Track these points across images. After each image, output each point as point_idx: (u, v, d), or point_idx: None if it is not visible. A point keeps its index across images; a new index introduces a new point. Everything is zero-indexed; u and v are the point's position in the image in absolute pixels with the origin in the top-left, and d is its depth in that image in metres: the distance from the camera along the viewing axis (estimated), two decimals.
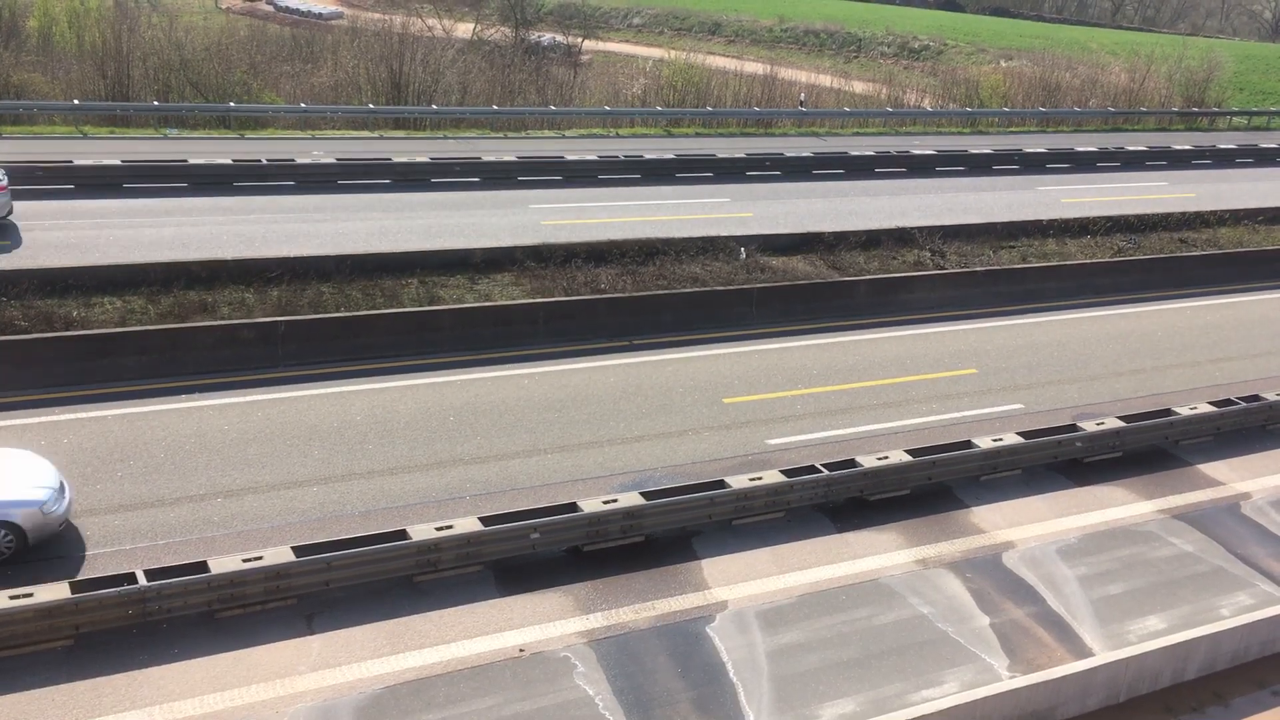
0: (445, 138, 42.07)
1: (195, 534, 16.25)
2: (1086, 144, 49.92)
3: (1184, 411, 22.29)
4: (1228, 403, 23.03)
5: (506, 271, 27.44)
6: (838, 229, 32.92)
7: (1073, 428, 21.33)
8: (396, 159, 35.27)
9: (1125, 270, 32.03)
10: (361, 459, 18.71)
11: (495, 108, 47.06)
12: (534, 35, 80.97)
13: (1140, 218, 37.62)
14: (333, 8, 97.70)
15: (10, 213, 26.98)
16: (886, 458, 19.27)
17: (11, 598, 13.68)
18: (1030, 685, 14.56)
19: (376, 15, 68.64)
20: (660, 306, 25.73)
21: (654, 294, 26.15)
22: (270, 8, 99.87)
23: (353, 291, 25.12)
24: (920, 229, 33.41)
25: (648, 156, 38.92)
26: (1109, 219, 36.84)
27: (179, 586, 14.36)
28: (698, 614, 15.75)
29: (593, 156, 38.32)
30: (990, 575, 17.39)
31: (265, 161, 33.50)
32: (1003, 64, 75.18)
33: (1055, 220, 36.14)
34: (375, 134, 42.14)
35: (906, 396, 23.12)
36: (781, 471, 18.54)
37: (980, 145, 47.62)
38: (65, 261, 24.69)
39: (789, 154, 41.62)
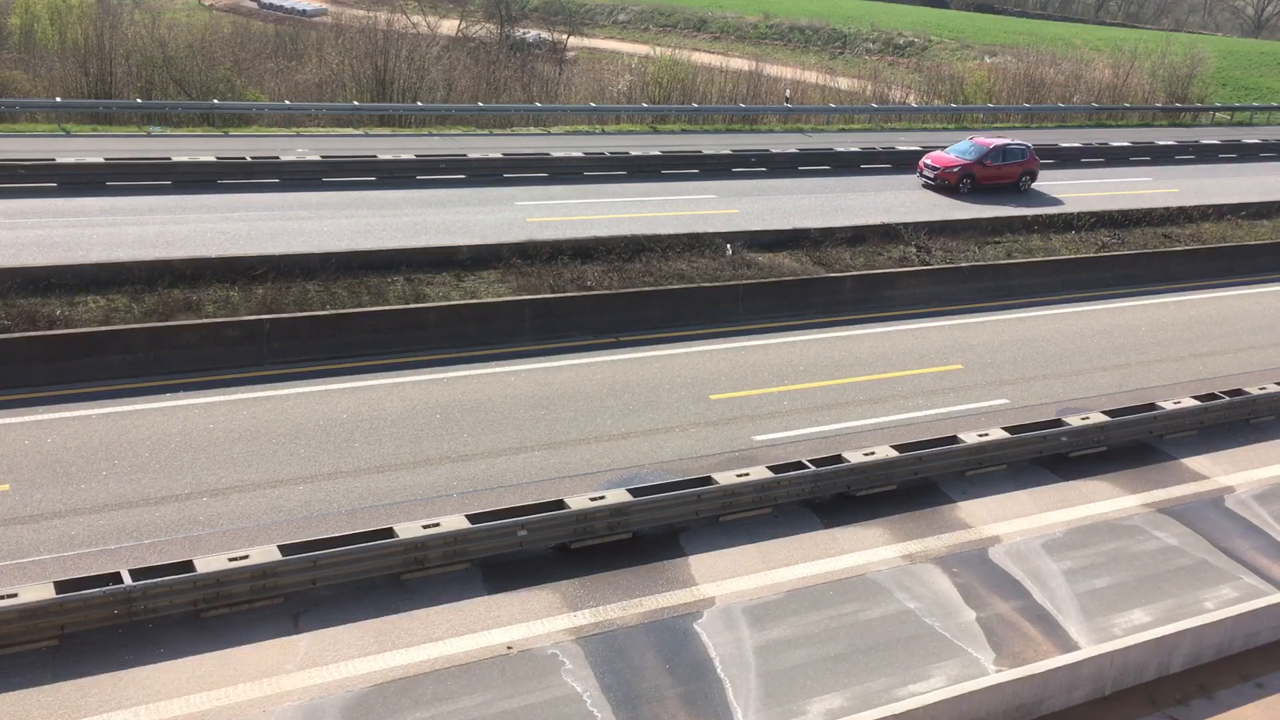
0: (430, 135, 41.97)
1: (181, 533, 16.19)
2: (1071, 140, 50.15)
3: (1168, 406, 22.41)
4: (1211, 397, 23.18)
5: (493, 269, 27.41)
6: (823, 225, 32.98)
7: (1058, 422, 21.43)
8: (381, 156, 35.17)
9: (1109, 265, 32.18)
10: (348, 457, 18.67)
11: (480, 105, 46.97)
12: (519, 32, 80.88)
13: (1124, 213, 37.82)
14: (316, 4, 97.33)
15: None
16: (873, 453, 19.32)
17: None
18: (1016, 679, 14.62)
19: (361, 12, 68.34)
20: (646, 303, 25.74)
21: (640, 291, 26.15)
22: (254, 4, 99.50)
23: (338, 289, 25.05)
24: (906, 225, 33.50)
25: (633, 153, 38.90)
26: (1093, 214, 37.01)
27: (165, 586, 14.31)
28: (685, 610, 15.77)
29: (578, 153, 38.29)
30: (976, 570, 17.46)
31: (249, 159, 33.36)
32: (987, 60, 75.46)
33: (1040, 216, 36.31)
34: (360, 131, 42.02)
35: (893, 392, 23.18)
36: (768, 467, 18.58)
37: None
38: (48, 260, 24.56)
39: (774, 150, 41.64)
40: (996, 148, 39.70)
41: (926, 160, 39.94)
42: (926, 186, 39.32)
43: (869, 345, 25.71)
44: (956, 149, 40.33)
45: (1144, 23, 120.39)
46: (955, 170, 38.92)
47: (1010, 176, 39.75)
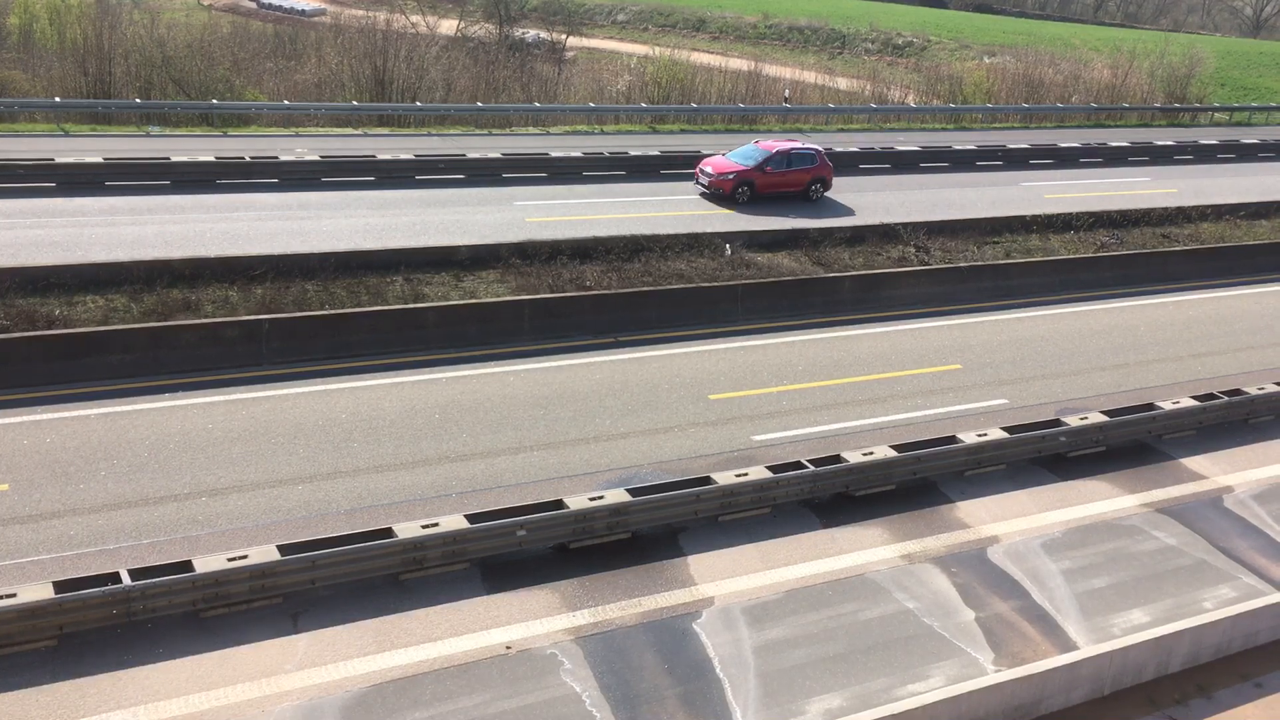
0: (430, 135, 41.95)
1: (180, 533, 16.19)
2: (1070, 140, 50.16)
3: (1167, 406, 22.43)
4: (1210, 397, 23.20)
5: (492, 269, 27.41)
6: (823, 225, 32.99)
7: (1056, 422, 21.44)
8: (381, 156, 35.15)
9: (1108, 265, 32.20)
10: (347, 457, 18.67)
11: (480, 105, 46.95)
12: (518, 32, 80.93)
13: (1123, 213, 37.84)
14: (315, 4, 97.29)
15: None
16: (872, 453, 19.33)
17: None
18: (1015, 679, 14.63)
19: (360, 12, 68.32)
20: (645, 303, 25.74)
21: (639, 290, 26.16)
22: (253, 4, 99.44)
23: (337, 289, 25.05)
24: (905, 225, 33.51)
25: (632, 153, 38.88)
26: (1092, 214, 37.03)
27: (164, 586, 14.32)
28: (684, 610, 15.78)
29: (577, 153, 38.28)
30: (975, 570, 17.47)
31: (248, 159, 33.32)
32: (986, 60, 75.46)
33: (1039, 216, 36.30)
34: (359, 131, 41.99)
35: (892, 392, 23.18)
36: (767, 467, 18.59)
37: (964, 141, 47.78)
38: (47, 260, 24.54)
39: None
40: (780, 152, 35.69)
41: (703, 166, 35.70)
42: (704, 196, 35.17)
43: (868, 345, 25.72)
44: (738, 153, 36.17)
45: (1142, 23, 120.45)
46: (730, 177, 34.67)
47: (797, 184, 35.73)
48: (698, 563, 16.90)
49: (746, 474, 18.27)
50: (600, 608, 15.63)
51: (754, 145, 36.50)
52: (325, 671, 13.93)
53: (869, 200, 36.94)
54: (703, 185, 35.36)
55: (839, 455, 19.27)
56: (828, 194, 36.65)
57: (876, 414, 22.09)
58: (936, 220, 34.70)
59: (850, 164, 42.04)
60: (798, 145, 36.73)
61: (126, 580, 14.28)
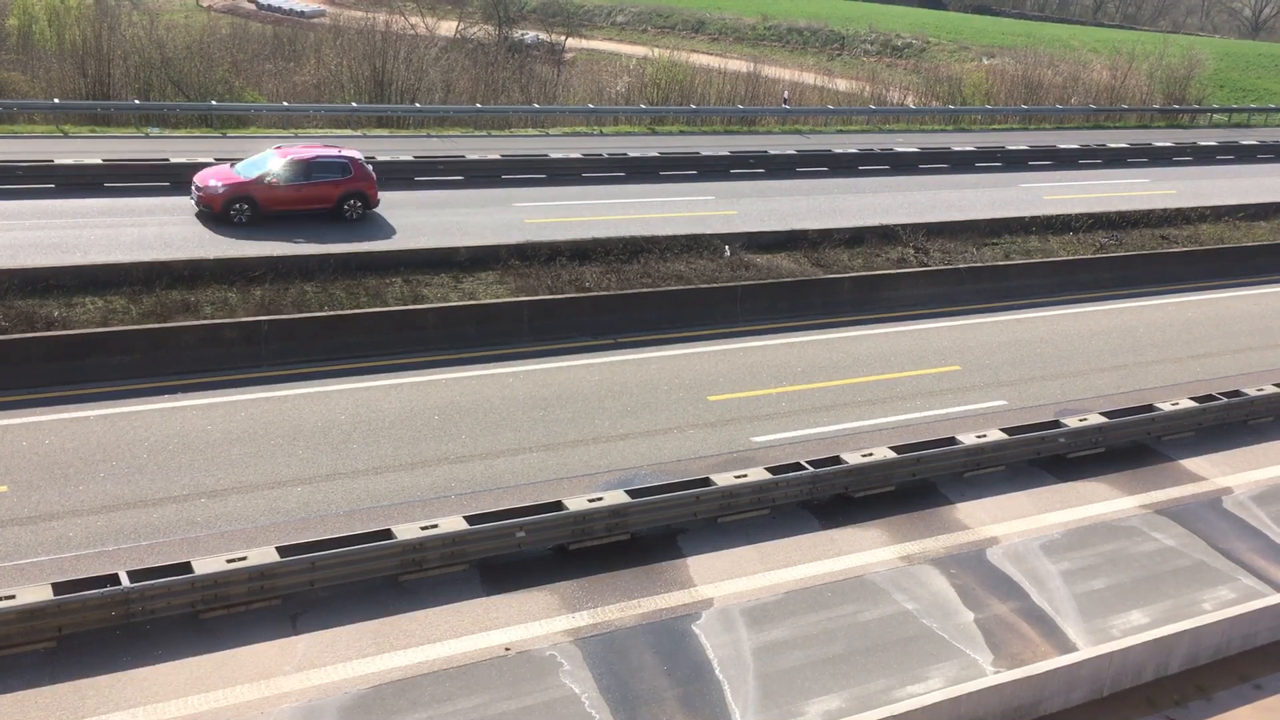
0: (429, 136, 41.93)
1: (179, 534, 16.18)
2: (1069, 141, 50.14)
3: (1166, 407, 22.43)
4: (1209, 398, 23.20)
5: (491, 270, 27.41)
6: (822, 226, 32.99)
7: (1056, 424, 21.45)
8: (380, 158, 35.09)
9: (1107, 267, 32.21)
10: (346, 458, 18.66)
11: (479, 106, 46.94)
12: (517, 33, 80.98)
13: (1122, 214, 37.85)
14: (315, 5, 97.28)
15: None
16: (871, 455, 19.33)
17: None
18: (1015, 680, 14.63)
19: (359, 13, 68.27)
20: (644, 304, 25.75)
21: (638, 292, 26.17)
22: (252, 6, 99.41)
23: (336, 290, 25.04)
24: (904, 226, 33.51)
25: (632, 154, 38.89)
26: (1091, 216, 37.03)
27: (162, 587, 14.31)
28: (684, 612, 15.78)
29: (577, 154, 38.27)
30: (974, 571, 17.47)
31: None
32: (985, 62, 75.44)
33: (1038, 217, 36.31)
34: (358, 133, 41.98)
35: (891, 393, 23.19)
36: (767, 469, 18.59)
37: (963, 143, 47.78)
38: (46, 261, 24.53)
39: (773, 152, 41.63)
40: (296, 161, 28.94)
41: (197, 178, 28.95)
42: (198, 215, 28.54)
43: (867, 346, 25.72)
44: (247, 162, 29.50)
45: (1141, 24, 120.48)
46: (222, 193, 28.04)
47: (322, 200, 28.96)
48: (697, 564, 16.90)
49: (746, 475, 18.27)
50: (599, 609, 15.63)
51: (273, 152, 29.67)
52: (324, 673, 13.92)
53: (867, 202, 36.95)
54: (196, 201, 28.80)
55: (838, 456, 19.28)
56: (374, 211, 30.07)
57: (876, 415, 22.10)
58: (935, 221, 34.70)
59: (849, 165, 42.12)
60: (325, 153, 29.88)
61: (125, 581, 14.27)
